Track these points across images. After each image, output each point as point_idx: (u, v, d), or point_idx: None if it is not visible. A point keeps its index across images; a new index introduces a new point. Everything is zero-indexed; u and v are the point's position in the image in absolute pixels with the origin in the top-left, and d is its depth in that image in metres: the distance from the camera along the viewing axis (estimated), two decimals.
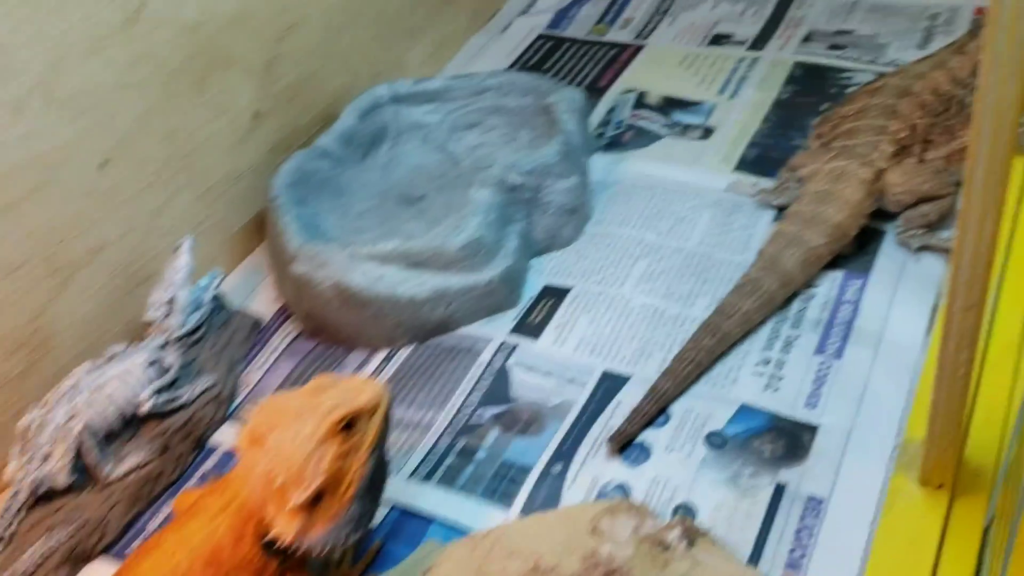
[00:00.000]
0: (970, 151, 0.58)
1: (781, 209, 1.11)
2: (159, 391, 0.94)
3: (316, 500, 0.72)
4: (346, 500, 0.73)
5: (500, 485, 0.87)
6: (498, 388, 0.97)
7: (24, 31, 0.88)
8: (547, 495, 0.86)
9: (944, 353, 0.69)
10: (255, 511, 0.73)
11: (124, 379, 0.92)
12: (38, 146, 0.92)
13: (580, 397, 0.94)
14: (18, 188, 0.91)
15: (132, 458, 0.91)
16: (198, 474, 0.94)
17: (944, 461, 0.77)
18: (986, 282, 0.65)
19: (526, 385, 0.97)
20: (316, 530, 0.72)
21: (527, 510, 0.84)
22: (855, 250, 1.04)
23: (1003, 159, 0.58)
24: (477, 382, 0.97)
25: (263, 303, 1.12)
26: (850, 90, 1.25)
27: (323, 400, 0.73)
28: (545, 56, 1.48)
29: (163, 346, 0.98)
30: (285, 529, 0.71)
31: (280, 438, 0.72)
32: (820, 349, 0.95)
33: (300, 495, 0.71)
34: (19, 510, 0.87)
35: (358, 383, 0.75)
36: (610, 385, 0.95)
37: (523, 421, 0.93)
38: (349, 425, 0.73)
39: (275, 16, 1.15)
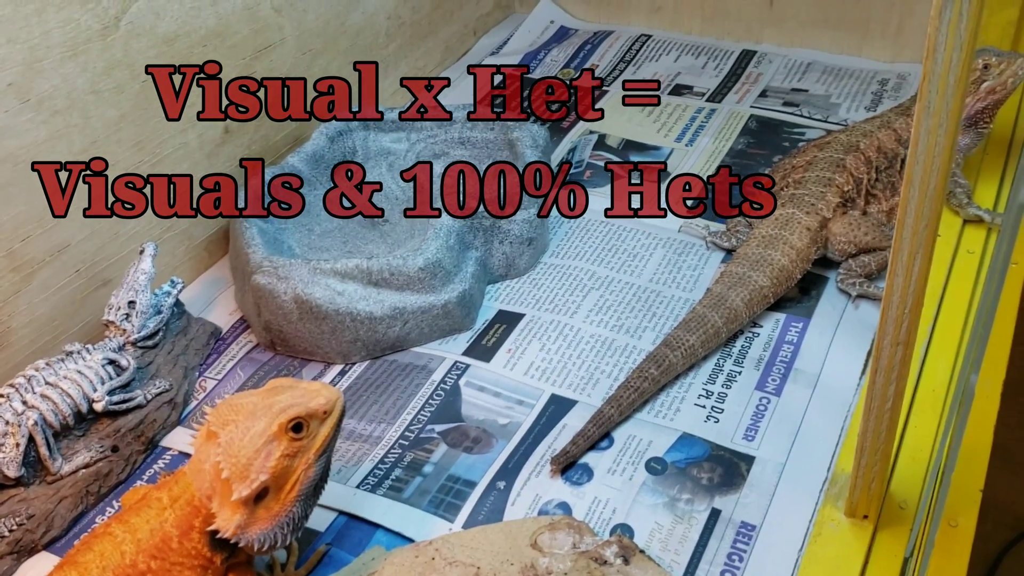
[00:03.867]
0: (904, 185, 0.63)
1: (730, 252, 1.16)
2: (114, 390, 0.95)
3: (260, 497, 0.74)
4: (289, 500, 0.75)
5: (445, 498, 0.89)
6: (449, 406, 0.99)
7: (3, 30, 0.90)
8: (490, 510, 0.88)
9: (873, 386, 0.73)
10: (203, 504, 0.74)
11: (80, 376, 0.93)
12: (9, 143, 0.94)
13: (528, 418, 0.97)
14: None
15: (83, 455, 0.91)
16: (147, 475, 0.95)
17: (870, 493, 0.80)
18: (915, 320, 0.69)
19: (476, 404, 0.99)
20: (256, 526, 0.74)
21: (470, 523, 0.86)
22: (798, 294, 1.09)
23: (933, 197, 0.62)
24: (428, 399, 1.00)
25: (222, 314, 1.13)
26: (801, 144, 1.31)
27: (277, 400, 0.75)
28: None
29: (121, 347, 0.99)
30: (226, 522, 0.73)
31: (232, 434, 0.73)
32: (760, 386, 0.99)
33: (243, 489, 0.72)
34: None
35: (314, 387, 0.77)
36: (557, 408, 0.98)
37: (471, 438, 0.95)
38: (299, 427, 0.75)
39: (252, 35, 1.18)
